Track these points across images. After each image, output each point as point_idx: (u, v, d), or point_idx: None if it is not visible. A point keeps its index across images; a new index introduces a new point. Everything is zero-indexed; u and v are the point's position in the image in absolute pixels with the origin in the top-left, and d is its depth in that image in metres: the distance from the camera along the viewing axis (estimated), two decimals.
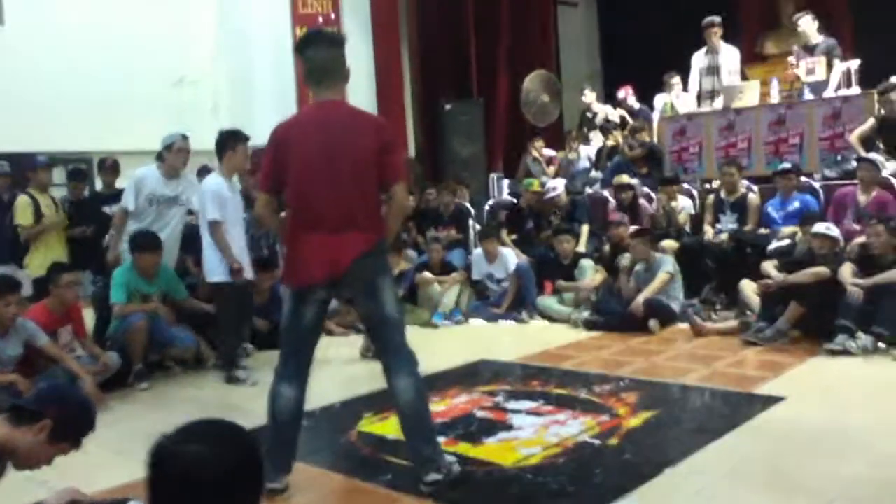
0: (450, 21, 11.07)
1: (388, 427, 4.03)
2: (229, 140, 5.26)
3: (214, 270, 5.17)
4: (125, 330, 5.21)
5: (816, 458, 3.29)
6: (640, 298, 6.07)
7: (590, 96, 9.56)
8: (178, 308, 5.65)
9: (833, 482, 2.99)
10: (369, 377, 5.00)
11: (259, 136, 9.61)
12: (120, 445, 3.60)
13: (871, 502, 2.82)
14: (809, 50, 7.53)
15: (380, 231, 3.20)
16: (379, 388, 4.74)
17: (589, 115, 9.57)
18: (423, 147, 11.06)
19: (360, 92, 10.53)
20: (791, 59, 7.65)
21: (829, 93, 7.22)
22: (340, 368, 5.52)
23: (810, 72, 7.42)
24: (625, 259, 6.49)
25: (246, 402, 4.76)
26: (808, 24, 7.49)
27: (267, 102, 10.02)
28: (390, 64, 10.70)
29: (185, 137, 5.45)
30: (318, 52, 3.29)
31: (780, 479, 3.10)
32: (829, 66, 7.35)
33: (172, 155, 5.44)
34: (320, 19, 10.47)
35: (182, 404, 4.76)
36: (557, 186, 7.83)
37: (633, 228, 6.85)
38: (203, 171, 8.63)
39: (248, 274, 5.31)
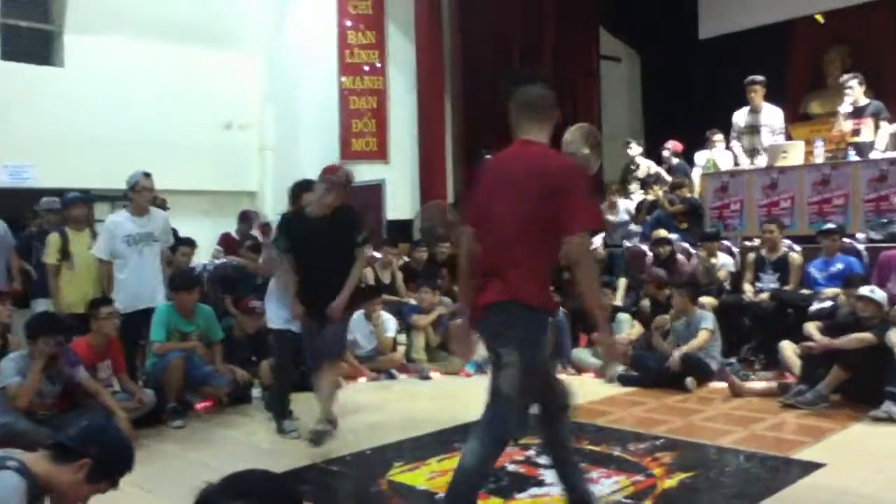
0: (494, 72, 11.22)
1: (419, 478, 4.00)
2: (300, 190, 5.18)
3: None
4: (162, 368, 5.28)
5: None
6: (678, 354, 5.98)
7: (635, 149, 9.58)
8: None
9: None
10: (400, 425, 5.00)
11: (302, 177, 9.85)
12: (150, 484, 3.62)
13: None
14: (858, 111, 7.46)
15: (524, 289, 2.91)
16: (409, 436, 4.76)
17: (633, 167, 9.57)
18: (463, 195, 11.11)
19: (403, 140, 10.72)
20: (841, 118, 7.55)
21: (875, 154, 7.14)
22: (371, 415, 5.49)
23: (856, 133, 7.35)
24: (662, 318, 6.42)
25: (278, 444, 4.78)
26: (856, 86, 7.44)
27: (313, 147, 10.23)
28: (433, 114, 10.86)
29: (147, 175, 5.54)
30: (528, 90, 3.25)
31: None
32: (877, 127, 7.28)
33: (136, 194, 5.56)
34: (366, 68, 10.72)
35: (215, 445, 4.79)
36: (595, 240, 7.81)
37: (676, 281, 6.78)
38: (245, 215, 8.83)
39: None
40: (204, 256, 8.07)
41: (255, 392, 5.91)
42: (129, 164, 5.85)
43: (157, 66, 9.48)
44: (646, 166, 9.42)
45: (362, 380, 6.63)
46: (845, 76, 7.46)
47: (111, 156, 8.32)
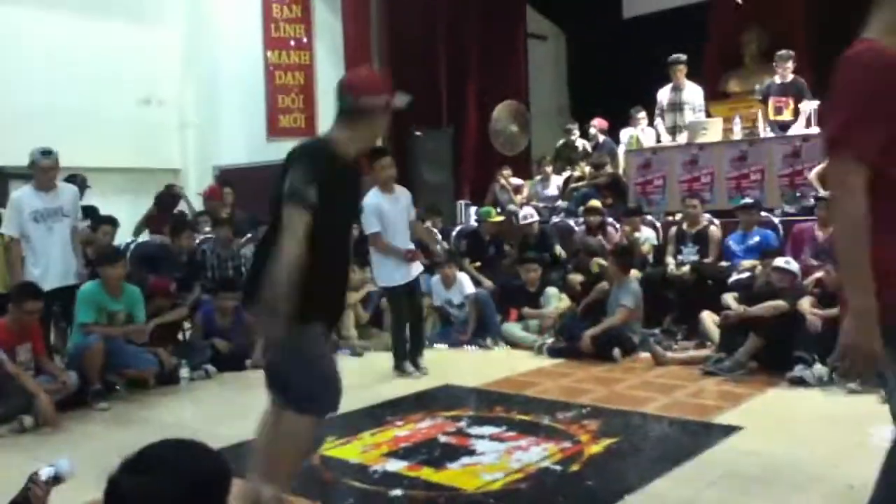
0: (421, 50, 11.18)
1: (352, 451, 4.02)
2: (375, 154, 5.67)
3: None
4: (82, 350, 5.14)
5: (772, 487, 3.35)
6: (588, 335, 6.13)
7: (576, 134, 9.72)
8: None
9: None
10: None
11: (226, 156, 9.70)
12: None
13: None
14: (785, 88, 7.69)
15: None
16: (341, 412, 4.76)
17: (572, 149, 9.71)
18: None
19: (332, 114, 10.58)
20: (770, 95, 7.77)
21: (797, 130, 7.41)
22: None
23: (778, 110, 7.62)
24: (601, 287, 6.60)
25: (206, 424, 4.72)
26: (790, 66, 7.67)
27: (236, 124, 10.03)
28: None
29: (46, 154, 5.38)
30: None
31: None
32: (797, 104, 7.54)
33: (37, 171, 5.41)
34: (292, 43, 10.54)
35: (140, 425, 4.69)
36: (532, 214, 7.91)
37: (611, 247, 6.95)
38: (169, 188, 8.62)
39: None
40: (126, 235, 7.85)
41: (184, 373, 5.80)
42: (45, 140, 5.63)
43: (73, 40, 9.13)
44: (581, 146, 9.59)
45: None
46: (782, 52, 7.68)
47: (27, 132, 7.96)
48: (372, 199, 5.70)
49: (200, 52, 10.40)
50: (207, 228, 7.89)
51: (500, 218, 8.20)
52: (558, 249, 7.65)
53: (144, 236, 7.86)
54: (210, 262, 6.81)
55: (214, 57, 10.32)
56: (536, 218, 7.85)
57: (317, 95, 10.58)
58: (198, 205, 8.82)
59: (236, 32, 10.26)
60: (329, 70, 10.54)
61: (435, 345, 6.96)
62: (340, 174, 2.74)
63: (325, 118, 10.56)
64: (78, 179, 7.29)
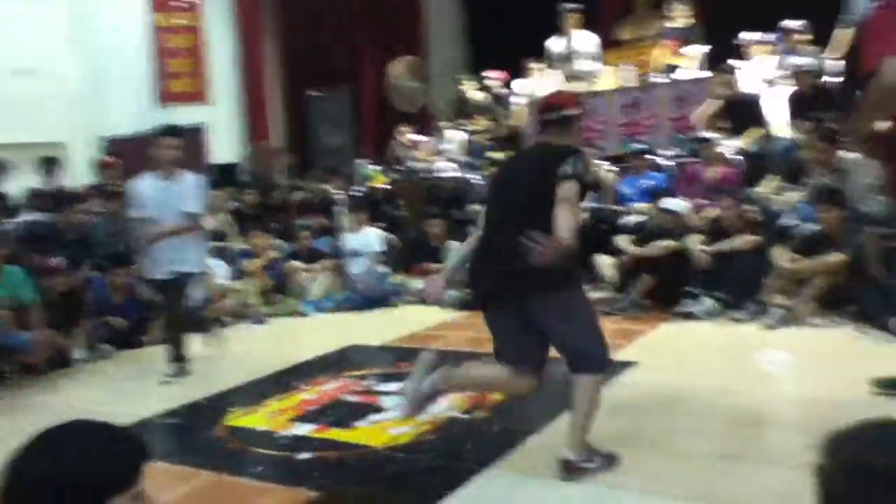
0: (315, 8, 10.91)
1: (257, 419, 3.99)
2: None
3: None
4: None
5: (668, 415, 3.52)
6: None
7: (467, 85, 9.70)
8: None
9: (681, 438, 3.20)
10: (236, 371, 4.93)
11: (114, 128, 9.28)
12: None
13: (713, 452, 3.03)
14: (678, 33, 7.90)
15: None
16: (247, 381, 4.71)
17: (465, 102, 9.70)
18: (291, 136, 10.88)
19: (224, 79, 10.26)
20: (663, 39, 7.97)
21: (690, 75, 7.63)
22: (205, 364, 5.36)
23: (675, 54, 7.83)
24: None
25: (103, 406, 4.57)
26: (679, 10, 7.85)
27: (125, 91, 9.59)
28: (254, 52, 10.46)
29: None
30: None
31: (632, 439, 3.29)
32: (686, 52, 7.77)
33: None
34: (180, 4, 10.10)
35: (36, 412, 4.50)
36: (448, 168, 7.92)
37: None
38: (49, 162, 8.18)
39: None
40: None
41: (77, 354, 5.58)
42: None
43: None
44: (476, 100, 9.60)
45: None
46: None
47: None
48: (138, 182, 5.06)
49: (82, 17, 9.82)
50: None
51: (383, 179, 8.16)
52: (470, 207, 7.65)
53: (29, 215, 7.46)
54: (100, 237, 6.54)
55: (97, 21, 9.77)
56: (451, 174, 7.87)
57: (208, 59, 10.19)
58: (90, 177, 8.43)
59: None
60: (221, 32, 10.19)
61: (340, 306, 6.92)
62: None
63: (219, 82, 10.23)
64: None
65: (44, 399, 4.82)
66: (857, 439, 1.07)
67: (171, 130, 5.20)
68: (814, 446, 1.09)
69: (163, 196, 4.93)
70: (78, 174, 8.49)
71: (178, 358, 5.01)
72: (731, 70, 6.97)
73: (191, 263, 5.05)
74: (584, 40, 8.53)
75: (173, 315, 5.14)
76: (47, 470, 1.18)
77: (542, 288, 2.91)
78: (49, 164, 8.18)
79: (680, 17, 7.81)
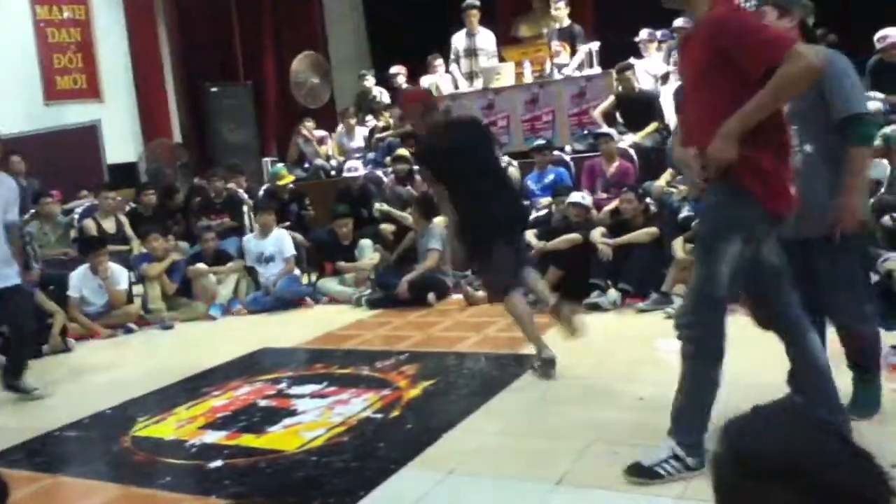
0: (209, 2, 10.64)
1: (166, 429, 3.89)
2: None
3: None
4: None
5: (576, 406, 3.62)
6: (404, 280, 6.27)
7: (370, 81, 9.66)
8: None
9: (591, 427, 3.31)
10: (142, 379, 4.79)
11: (2, 125, 8.77)
12: None
13: (625, 441, 3.15)
14: (562, 33, 8.11)
15: None
16: (153, 388, 4.58)
17: (370, 97, 9.66)
18: (190, 133, 10.59)
19: (116, 74, 9.87)
20: (551, 41, 8.17)
21: (569, 72, 7.85)
22: (109, 373, 5.19)
23: (557, 53, 8.02)
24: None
25: (7, 420, 4.37)
26: (562, 10, 8.06)
27: (10, 90, 9.08)
28: (147, 45, 10.12)
29: None
30: None
31: (545, 429, 3.38)
32: (573, 48, 7.98)
33: None
34: None
35: None
36: (357, 167, 7.87)
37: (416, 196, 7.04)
38: None
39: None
40: None
41: None
42: None
43: None
44: (378, 94, 9.57)
45: (97, 338, 6.21)
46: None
47: None
48: None
49: None
50: None
51: (291, 178, 8.06)
52: (378, 206, 7.64)
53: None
54: None
55: None
56: (361, 171, 7.84)
57: (98, 53, 9.77)
58: None
59: None
60: (110, 24, 9.79)
61: (248, 308, 6.82)
62: None
63: (109, 78, 9.83)
64: None
65: None
66: (747, 426, 1.04)
67: None
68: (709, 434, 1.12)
69: None
70: None
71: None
72: (628, 66, 7.21)
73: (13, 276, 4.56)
74: (486, 38, 8.66)
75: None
76: None
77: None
78: None
79: (564, 17, 8.06)
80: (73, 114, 9.30)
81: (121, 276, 6.49)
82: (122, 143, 9.66)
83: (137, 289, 6.80)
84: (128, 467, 3.48)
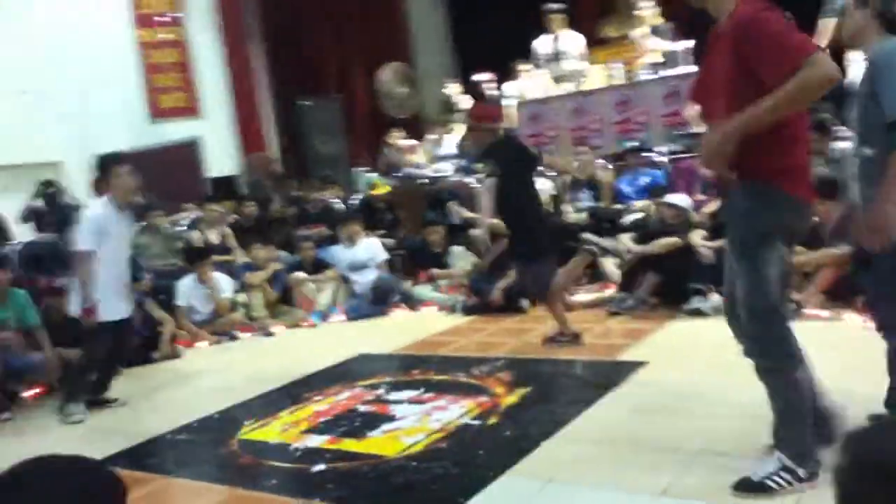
0: (299, 17, 10.93)
1: (271, 432, 4.00)
2: (110, 164, 4.73)
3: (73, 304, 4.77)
4: None
5: (679, 415, 3.52)
6: (498, 289, 6.25)
7: (454, 89, 9.73)
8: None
9: (695, 437, 3.21)
10: (247, 385, 4.94)
11: (107, 144, 9.24)
12: None
13: (730, 451, 3.05)
14: (654, 33, 7.97)
15: None
16: (257, 393, 4.72)
17: (452, 105, 9.72)
18: (286, 146, 10.91)
19: (214, 92, 10.26)
20: (641, 40, 8.04)
21: (666, 72, 7.67)
22: (215, 378, 5.38)
23: (652, 52, 7.87)
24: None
25: (120, 424, 4.58)
26: (647, 10, 7.91)
27: (117, 110, 9.58)
28: (241, 63, 10.47)
29: None
30: None
31: (647, 439, 3.30)
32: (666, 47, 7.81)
33: None
34: (161, 19, 10.10)
35: (49, 432, 4.52)
36: (447, 168, 7.94)
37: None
38: (48, 184, 8.19)
39: (124, 312, 4.81)
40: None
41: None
42: None
43: None
44: (462, 102, 9.61)
45: (203, 344, 6.45)
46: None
47: None
48: (97, 210, 4.71)
49: (70, 37, 9.81)
50: None
51: (387, 188, 8.18)
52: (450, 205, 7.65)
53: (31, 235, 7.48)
54: None
55: (84, 41, 9.76)
56: (452, 175, 7.90)
57: (196, 72, 10.19)
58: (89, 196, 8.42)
59: (103, 13, 9.73)
60: (206, 44, 10.18)
61: (346, 315, 6.94)
62: None
63: (208, 95, 10.23)
64: None
65: (54, 419, 4.81)
66: (873, 438, 1.08)
67: (116, 157, 4.86)
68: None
69: (119, 232, 4.70)
70: (77, 193, 8.47)
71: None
72: None
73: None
74: (570, 40, 8.57)
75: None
76: None
77: None
78: (48, 185, 8.19)
79: (650, 18, 7.90)
80: (176, 130, 9.72)
81: (224, 284, 6.74)
82: (221, 158, 10.03)
83: (241, 297, 7.03)
84: (235, 470, 3.59)
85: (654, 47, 7.82)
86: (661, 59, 7.75)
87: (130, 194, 4.81)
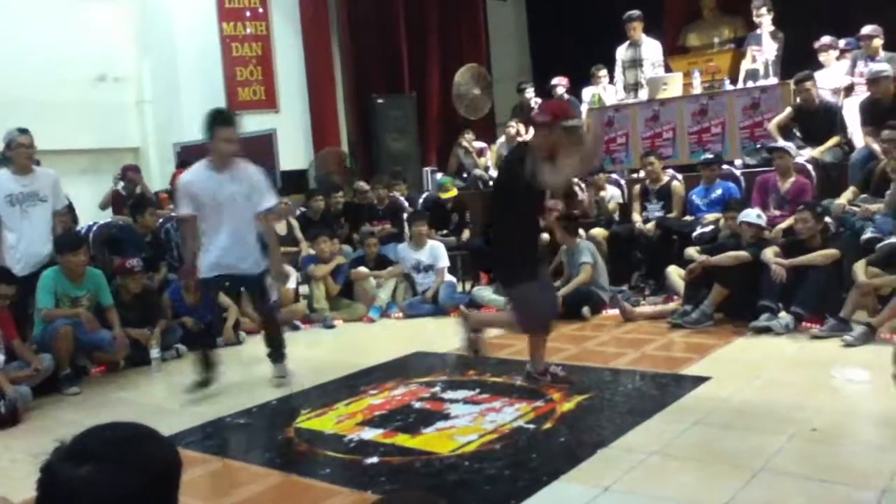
0: (380, 16, 11.04)
1: (326, 422, 4.04)
2: (212, 123, 4.70)
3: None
4: (50, 336, 5.07)
5: (741, 432, 3.43)
6: (559, 296, 6.17)
7: (530, 92, 9.69)
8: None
9: (757, 455, 3.12)
10: (305, 374, 5.01)
11: (187, 133, 9.55)
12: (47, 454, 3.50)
13: (793, 471, 2.95)
14: (757, 38, 7.78)
15: None
16: (315, 384, 4.78)
17: (529, 107, 9.68)
18: (357, 142, 11.02)
19: (291, 86, 10.45)
20: (749, 46, 7.87)
21: (759, 82, 7.47)
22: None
23: (755, 60, 7.69)
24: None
25: (180, 405, 4.69)
26: (765, 15, 7.72)
27: (195, 99, 9.83)
28: (320, 58, 10.63)
29: (23, 132, 5.25)
30: None
31: (706, 455, 3.22)
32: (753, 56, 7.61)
33: (14, 152, 5.26)
34: (248, 14, 10.33)
35: (113, 408, 4.65)
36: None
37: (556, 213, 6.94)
38: (128, 170, 8.48)
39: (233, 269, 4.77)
40: (88, 218, 7.72)
41: (154, 353, 5.74)
42: (2, 127, 5.49)
43: (22, 18, 8.84)
44: (536, 106, 9.56)
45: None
46: (758, 2, 7.74)
47: None
48: (186, 176, 4.82)
49: (154, 26, 10.14)
50: (171, 206, 7.78)
51: (455, 191, 8.18)
52: None
53: (107, 217, 7.74)
54: (174, 240, 6.73)
55: (169, 30, 10.07)
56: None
57: (276, 67, 10.40)
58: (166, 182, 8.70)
59: (190, 4, 10.02)
60: (288, 40, 10.38)
61: (406, 312, 6.97)
62: None
63: (285, 90, 10.43)
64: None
65: (123, 396, 4.98)
66: None
67: (228, 119, 4.86)
68: None
69: (214, 193, 4.64)
70: (155, 179, 8.75)
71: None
72: (808, 77, 6.77)
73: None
74: (651, 48, 8.44)
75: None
76: (87, 478, 1.12)
77: None
78: (127, 169, 8.48)
79: (766, 23, 7.69)
80: (252, 123, 9.92)
81: (289, 275, 6.84)
82: (294, 151, 10.20)
83: (304, 288, 7.13)
84: (290, 456, 3.64)
85: (760, 53, 7.61)
86: (759, 67, 7.53)
87: (227, 158, 4.72)
